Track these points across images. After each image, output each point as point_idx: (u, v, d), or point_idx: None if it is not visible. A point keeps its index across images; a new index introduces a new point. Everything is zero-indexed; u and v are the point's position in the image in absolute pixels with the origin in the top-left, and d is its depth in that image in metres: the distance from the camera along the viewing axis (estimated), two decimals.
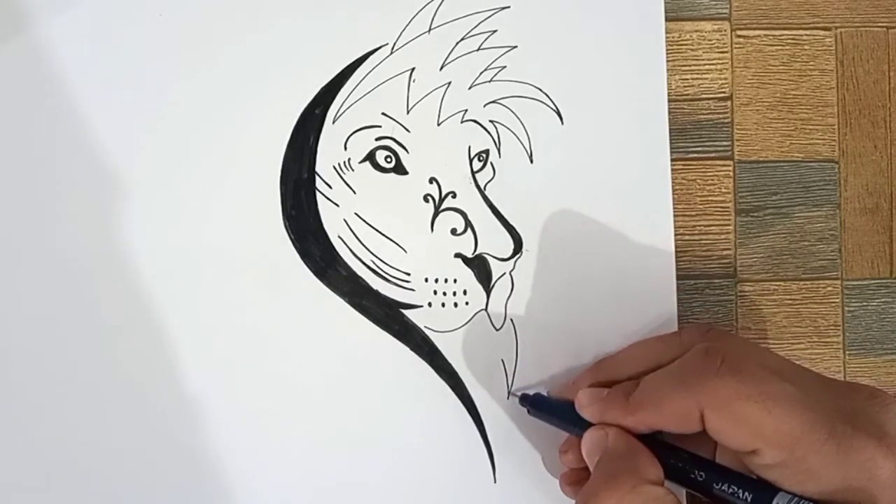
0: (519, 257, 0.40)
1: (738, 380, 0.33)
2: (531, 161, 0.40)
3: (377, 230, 0.40)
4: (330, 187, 0.39)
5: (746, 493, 0.33)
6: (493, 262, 0.40)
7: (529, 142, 0.40)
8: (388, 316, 0.40)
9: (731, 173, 0.42)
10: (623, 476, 0.33)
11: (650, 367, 0.36)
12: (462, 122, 0.40)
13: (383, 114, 0.40)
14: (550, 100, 0.41)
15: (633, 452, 0.34)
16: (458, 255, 0.40)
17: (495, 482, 0.40)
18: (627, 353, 0.39)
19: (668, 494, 0.32)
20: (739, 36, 0.42)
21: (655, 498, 0.32)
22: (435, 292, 0.40)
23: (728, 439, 0.33)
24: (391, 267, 0.40)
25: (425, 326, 0.40)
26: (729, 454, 0.35)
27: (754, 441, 0.32)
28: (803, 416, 0.32)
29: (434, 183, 0.40)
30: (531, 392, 0.39)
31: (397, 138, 0.40)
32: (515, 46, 0.40)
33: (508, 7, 0.40)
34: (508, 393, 0.40)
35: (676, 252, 0.41)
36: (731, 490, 0.33)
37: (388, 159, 0.40)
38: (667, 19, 0.41)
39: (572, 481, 0.38)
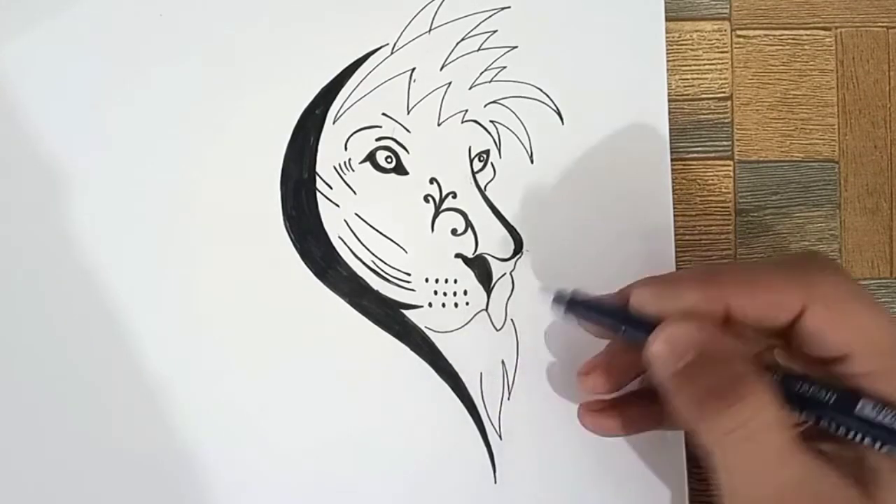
0: (519, 257, 0.40)
1: (850, 280, 0.31)
2: (531, 161, 0.40)
3: (377, 230, 0.40)
4: (330, 187, 0.39)
5: (830, 395, 0.30)
6: (493, 263, 0.40)
7: (529, 142, 0.40)
8: (389, 316, 0.40)
9: (731, 173, 0.42)
10: (737, 392, 0.29)
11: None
12: (462, 122, 0.40)
13: (384, 114, 0.40)
14: (550, 100, 0.40)
15: (735, 356, 0.30)
16: (458, 256, 0.40)
17: (495, 482, 0.40)
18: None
19: (788, 417, 0.29)
20: (739, 36, 0.42)
21: (779, 421, 0.29)
22: (435, 292, 0.40)
23: (828, 338, 0.31)
24: (391, 267, 0.40)
25: (425, 327, 0.40)
26: (811, 363, 0.32)
27: (855, 342, 0.30)
28: None
29: (434, 183, 0.40)
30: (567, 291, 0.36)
31: (398, 138, 0.40)
32: (515, 46, 0.40)
33: (508, 7, 0.40)
34: (540, 295, 0.36)
35: (676, 252, 0.41)
36: (811, 390, 0.30)
37: (389, 159, 0.40)
38: (667, 19, 0.41)
39: (596, 409, 0.35)
